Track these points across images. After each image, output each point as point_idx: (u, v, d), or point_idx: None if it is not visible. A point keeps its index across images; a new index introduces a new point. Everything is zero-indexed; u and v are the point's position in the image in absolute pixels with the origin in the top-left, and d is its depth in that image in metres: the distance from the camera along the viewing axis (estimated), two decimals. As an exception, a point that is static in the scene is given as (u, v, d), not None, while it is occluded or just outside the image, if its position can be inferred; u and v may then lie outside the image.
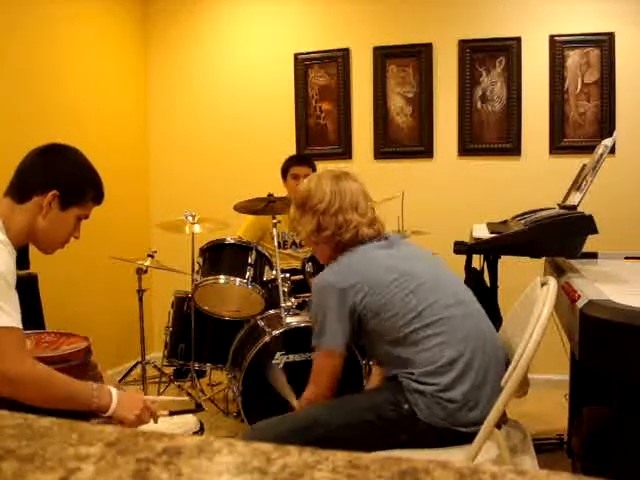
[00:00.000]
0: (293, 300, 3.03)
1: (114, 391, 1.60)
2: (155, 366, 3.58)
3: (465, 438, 1.57)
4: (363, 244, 1.82)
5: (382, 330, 1.71)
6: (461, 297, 1.79)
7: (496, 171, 3.83)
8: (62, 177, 1.61)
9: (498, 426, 1.56)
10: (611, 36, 3.61)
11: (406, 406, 1.62)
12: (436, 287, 1.76)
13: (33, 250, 2.84)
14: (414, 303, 1.69)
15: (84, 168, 1.68)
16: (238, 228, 3.53)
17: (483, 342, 1.70)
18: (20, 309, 1.50)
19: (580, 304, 1.59)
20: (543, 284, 1.68)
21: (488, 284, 2.71)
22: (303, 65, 4.09)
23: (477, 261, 2.69)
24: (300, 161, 3.55)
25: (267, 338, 2.79)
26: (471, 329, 1.71)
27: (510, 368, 1.54)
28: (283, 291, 2.98)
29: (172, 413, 1.75)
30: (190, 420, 1.93)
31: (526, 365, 1.50)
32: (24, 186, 1.60)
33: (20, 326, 1.47)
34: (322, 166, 3.20)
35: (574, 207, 2.19)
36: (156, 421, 1.67)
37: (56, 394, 1.51)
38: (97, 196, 1.69)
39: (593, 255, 2.64)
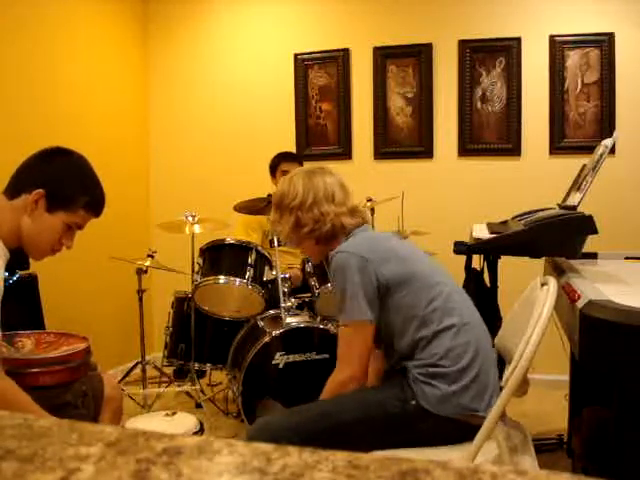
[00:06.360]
0: (293, 300, 3.03)
1: None
2: (155, 366, 3.58)
3: (476, 429, 1.57)
4: (358, 228, 1.82)
5: (405, 305, 1.68)
6: (464, 292, 1.84)
7: (496, 171, 3.83)
8: (52, 177, 1.56)
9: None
10: (611, 36, 3.61)
11: (413, 402, 1.61)
12: (445, 277, 1.79)
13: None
14: (436, 280, 1.71)
15: (81, 174, 1.61)
16: (235, 231, 3.51)
17: (483, 334, 1.75)
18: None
19: (580, 304, 1.59)
20: (543, 284, 1.68)
21: (488, 284, 2.71)
22: (303, 65, 4.09)
23: (477, 261, 2.69)
24: (289, 158, 3.49)
25: (267, 338, 2.79)
26: (475, 321, 1.75)
27: (510, 368, 1.54)
28: (283, 291, 2.98)
29: None
30: (190, 420, 1.93)
31: (526, 365, 1.49)
32: (16, 183, 1.57)
33: None
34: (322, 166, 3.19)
35: (574, 207, 2.19)
36: None
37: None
38: (90, 205, 1.60)
39: (593, 255, 2.64)
